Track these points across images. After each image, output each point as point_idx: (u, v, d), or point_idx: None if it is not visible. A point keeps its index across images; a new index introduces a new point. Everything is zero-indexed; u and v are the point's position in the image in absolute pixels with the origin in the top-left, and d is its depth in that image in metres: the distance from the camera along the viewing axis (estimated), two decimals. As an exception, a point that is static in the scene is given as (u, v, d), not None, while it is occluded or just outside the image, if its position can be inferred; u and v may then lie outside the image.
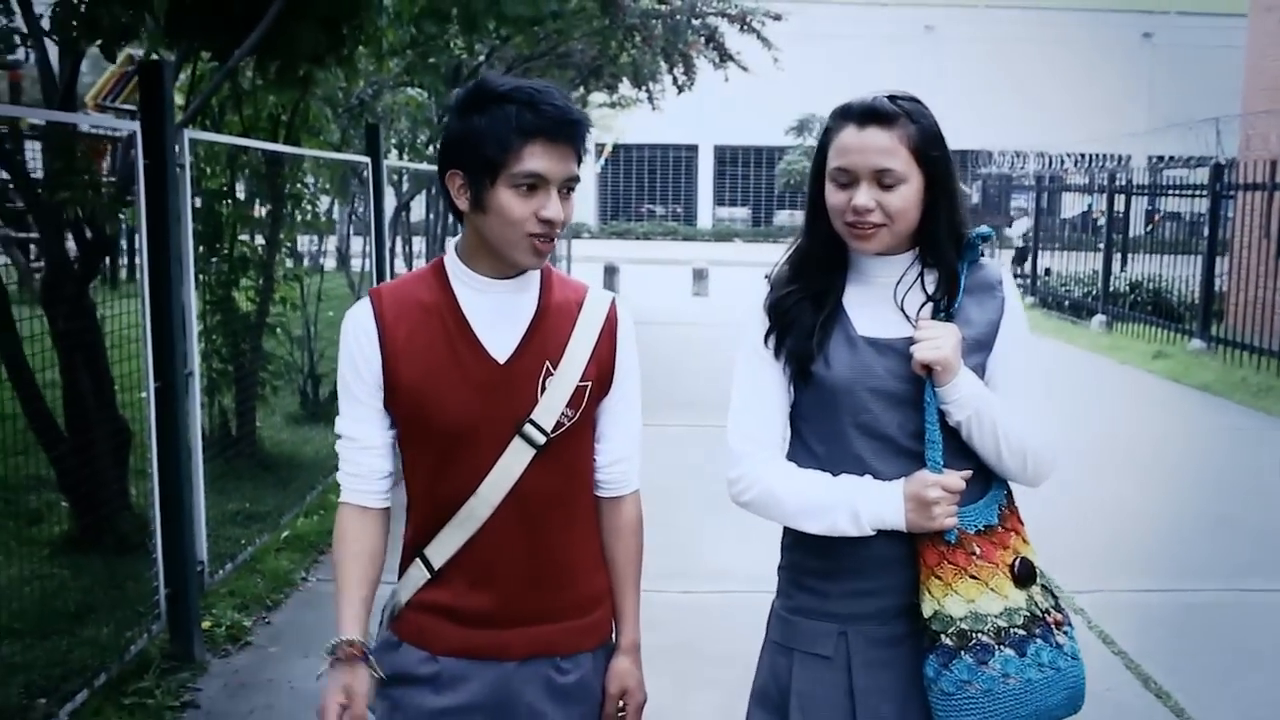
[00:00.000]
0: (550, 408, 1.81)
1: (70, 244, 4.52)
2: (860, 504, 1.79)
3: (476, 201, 1.75)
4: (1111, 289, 15.42)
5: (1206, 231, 12.94)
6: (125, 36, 3.34)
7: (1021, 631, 1.77)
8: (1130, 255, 16.34)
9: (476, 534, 1.82)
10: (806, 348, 1.83)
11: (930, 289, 1.86)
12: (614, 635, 1.98)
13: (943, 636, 1.75)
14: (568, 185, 1.76)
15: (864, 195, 1.77)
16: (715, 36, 11.36)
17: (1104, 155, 24.64)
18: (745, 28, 11.20)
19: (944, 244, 1.83)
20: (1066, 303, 16.67)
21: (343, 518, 1.89)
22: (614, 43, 10.40)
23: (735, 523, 5.27)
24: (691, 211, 42.94)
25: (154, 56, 3.47)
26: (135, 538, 4.71)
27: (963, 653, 1.74)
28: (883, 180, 1.77)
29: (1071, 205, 23.24)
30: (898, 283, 1.85)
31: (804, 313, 1.86)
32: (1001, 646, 1.75)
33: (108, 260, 8.42)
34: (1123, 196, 16.20)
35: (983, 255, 1.88)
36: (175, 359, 3.66)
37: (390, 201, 8.09)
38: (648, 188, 43.55)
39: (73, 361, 4.50)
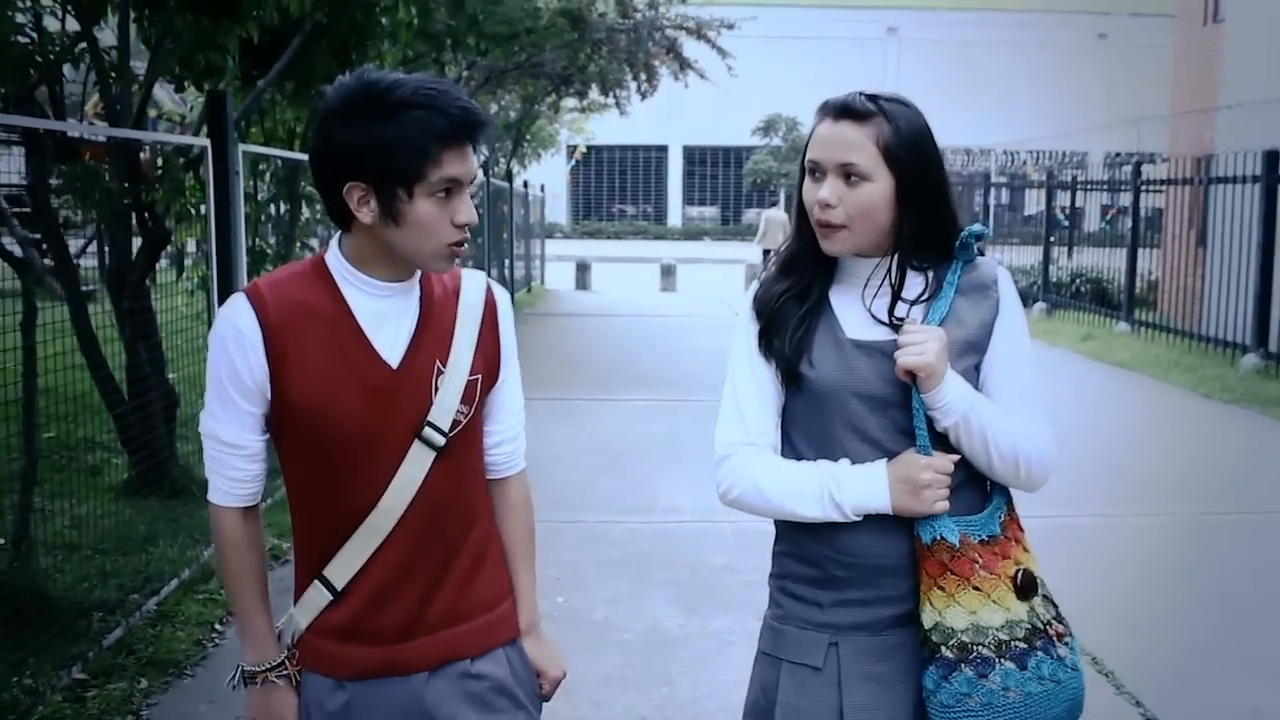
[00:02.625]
0: (445, 407, 1.76)
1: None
2: (844, 489, 1.75)
3: (388, 214, 1.65)
4: (1054, 279, 16.51)
5: (1130, 224, 14.01)
6: (211, 74, 4.26)
7: (1023, 644, 1.73)
8: (1077, 247, 17.43)
9: (380, 548, 1.75)
10: (792, 347, 1.80)
11: (913, 292, 1.80)
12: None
13: (943, 648, 1.72)
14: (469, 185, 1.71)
15: (827, 188, 1.74)
16: (675, 47, 12.36)
17: (1063, 152, 25.72)
18: (701, 38, 12.20)
19: (912, 248, 1.78)
20: (1013, 292, 17.72)
21: (226, 522, 1.79)
22: (582, 54, 11.35)
23: (685, 475, 6.38)
24: (662, 211, 43.91)
25: (218, 88, 4.37)
26: (183, 483, 5.63)
27: (963, 665, 1.71)
28: (848, 175, 1.73)
29: (1035, 202, 24.37)
30: (865, 285, 1.81)
31: (789, 312, 1.82)
32: (1002, 660, 1.72)
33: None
34: (1063, 192, 17.30)
35: (979, 253, 1.84)
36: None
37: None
38: (619, 188, 44.50)
39: (134, 337, 5.40)
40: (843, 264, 1.83)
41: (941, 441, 1.77)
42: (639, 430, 7.74)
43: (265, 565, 1.85)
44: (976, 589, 1.73)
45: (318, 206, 7.38)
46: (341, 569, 1.75)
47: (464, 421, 1.78)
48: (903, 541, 1.77)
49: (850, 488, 1.74)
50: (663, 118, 33.95)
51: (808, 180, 1.79)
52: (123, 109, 4.96)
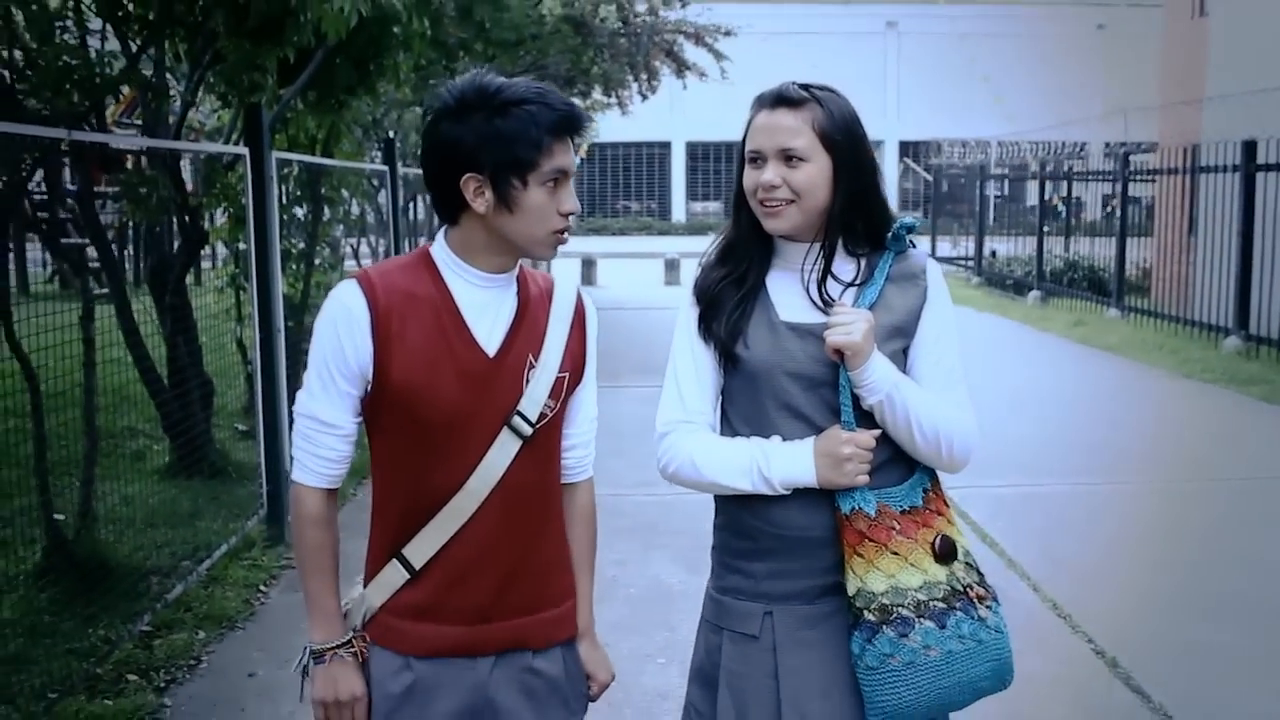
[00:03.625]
0: (535, 399, 1.84)
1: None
2: (772, 464, 1.85)
3: (503, 202, 1.76)
4: (1049, 268, 16.90)
5: (1119, 213, 14.40)
6: (253, 90, 4.71)
7: (941, 605, 1.82)
8: (1080, 236, 17.79)
9: (461, 530, 1.81)
10: (728, 330, 1.90)
11: (846, 276, 1.91)
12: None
13: (865, 613, 1.80)
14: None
15: (770, 172, 1.85)
16: (674, 50, 12.82)
17: (1063, 143, 26.04)
18: (699, 44, 12.66)
19: (844, 227, 1.89)
20: (1009, 281, 18.15)
21: (310, 501, 1.85)
22: (585, 58, 11.80)
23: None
24: (666, 206, 44.24)
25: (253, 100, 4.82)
26: (220, 465, 6.08)
27: (884, 627, 1.79)
28: (788, 159, 1.84)
29: (1031, 194, 24.77)
30: (802, 268, 1.91)
31: (727, 297, 1.92)
32: (921, 619, 1.80)
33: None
34: (1054, 182, 17.70)
35: (911, 245, 1.96)
36: (271, 319, 5.05)
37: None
38: (623, 185, 44.85)
39: (174, 331, 5.84)
40: (779, 249, 1.94)
41: (869, 421, 1.87)
42: (644, 415, 8.03)
43: (339, 547, 1.88)
44: (894, 553, 1.82)
45: (340, 209, 7.84)
46: (421, 549, 1.82)
47: (549, 415, 1.87)
48: (830, 515, 1.87)
49: (778, 463, 1.85)
50: (665, 115, 34.24)
51: (748, 169, 1.91)
52: (160, 122, 5.42)
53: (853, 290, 1.91)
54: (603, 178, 44.48)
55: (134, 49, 4.70)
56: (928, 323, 1.93)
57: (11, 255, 10.06)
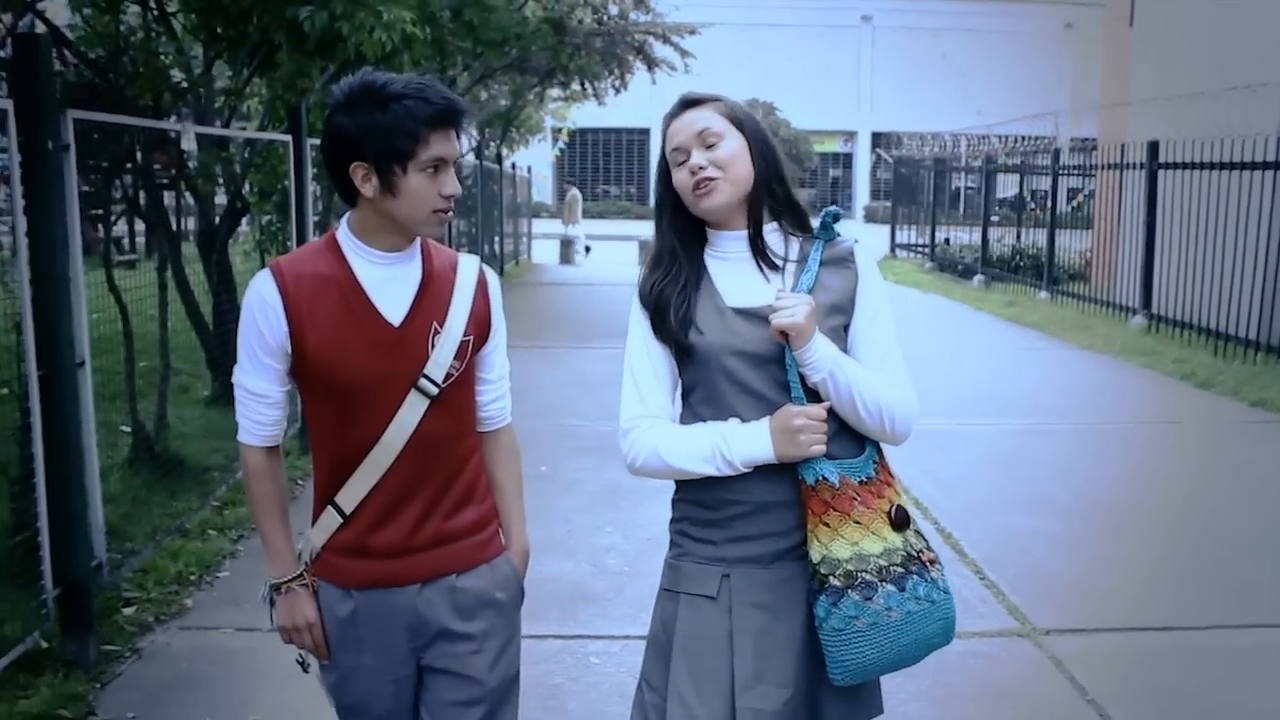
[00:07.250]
0: (440, 362, 2.01)
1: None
2: (732, 446, 1.94)
3: (386, 187, 1.90)
4: (994, 255, 18.27)
5: (1049, 204, 15.78)
6: (304, 93, 5.95)
7: (900, 569, 1.93)
8: (1029, 227, 19.08)
9: (381, 479, 2.01)
10: (678, 323, 1.99)
11: (781, 251, 2.04)
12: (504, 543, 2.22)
13: (831, 578, 1.90)
14: (455, 163, 1.96)
15: (696, 157, 1.97)
16: (644, 49, 14.12)
17: (1032, 137, 27.37)
18: (667, 43, 13.97)
19: (769, 198, 2.02)
20: (959, 266, 19.50)
21: (251, 457, 2.09)
22: (564, 55, 13.08)
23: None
24: (644, 191, 45.40)
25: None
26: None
27: (850, 591, 1.89)
28: (707, 141, 1.97)
29: (1004, 186, 26.03)
30: (750, 249, 2.03)
31: (670, 294, 2.02)
32: (884, 583, 1.90)
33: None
34: (1000, 176, 19.06)
35: (837, 233, 2.06)
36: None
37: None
38: (603, 170, 46.06)
39: (219, 283, 7.09)
40: (714, 241, 2.06)
41: (818, 398, 1.97)
42: (609, 369, 9.38)
43: (285, 494, 2.14)
44: (857, 522, 1.92)
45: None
46: (350, 496, 2.02)
47: (455, 375, 2.04)
48: (789, 483, 1.97)
49: (738, 444, 1.95)
50: (645, 103, 35.36)
51: (674, 172, 2.03)
52: (208, 113, 6.68)
53: (792, 266, 2.05)
54: (583, 162, 45.62)
55: (204, 58, 5.94)
56: (862, 303, 2.04)
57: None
